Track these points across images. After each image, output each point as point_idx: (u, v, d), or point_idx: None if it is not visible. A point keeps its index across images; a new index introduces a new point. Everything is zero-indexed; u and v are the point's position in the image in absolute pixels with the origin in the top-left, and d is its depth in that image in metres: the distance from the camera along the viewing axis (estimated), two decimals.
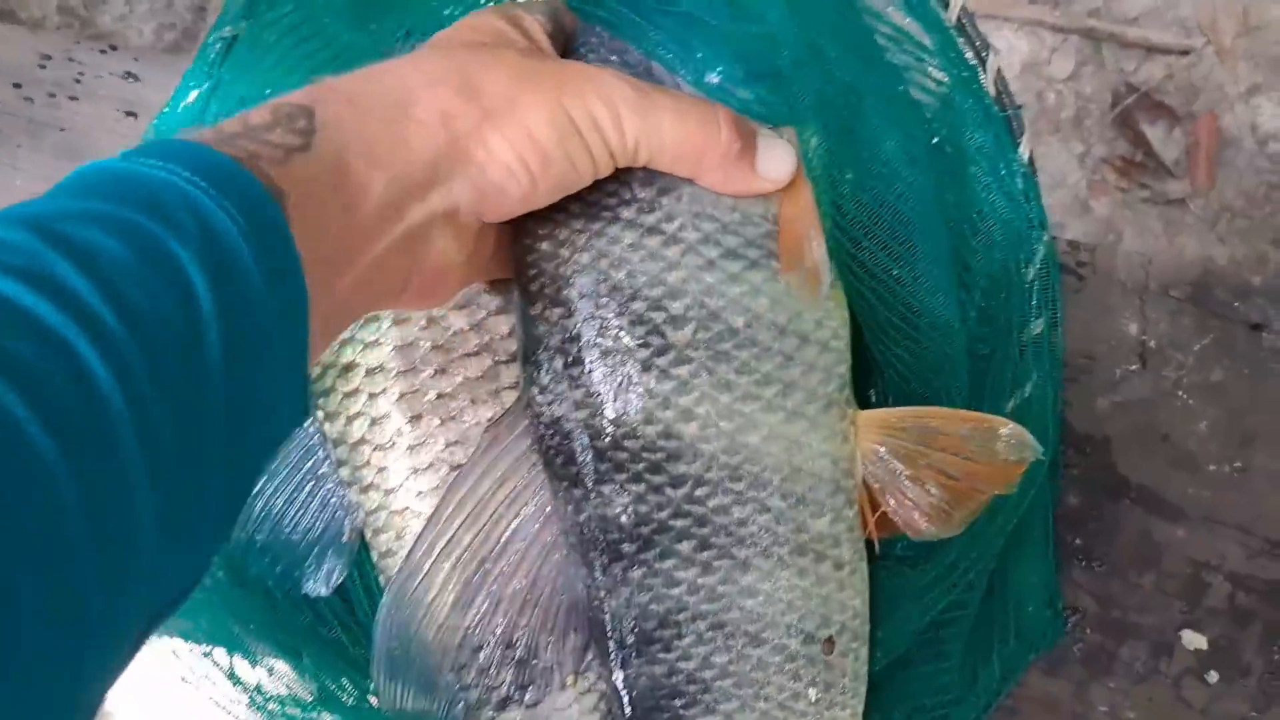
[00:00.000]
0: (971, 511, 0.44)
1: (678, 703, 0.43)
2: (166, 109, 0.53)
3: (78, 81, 0.72)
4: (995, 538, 0.49)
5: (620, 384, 0.41)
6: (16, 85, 0.71)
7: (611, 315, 0.41)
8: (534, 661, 0.42)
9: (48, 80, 0.72)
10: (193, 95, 0.52)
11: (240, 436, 0.29)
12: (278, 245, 0.30)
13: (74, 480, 0.23)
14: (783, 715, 0.44)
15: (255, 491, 0.47)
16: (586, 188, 0.40)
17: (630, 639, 0.43)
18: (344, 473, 0.48)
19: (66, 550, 0.23)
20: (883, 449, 0.43)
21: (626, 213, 0.41)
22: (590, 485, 0.42)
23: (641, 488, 0.42)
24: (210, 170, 0.29)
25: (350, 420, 0.48)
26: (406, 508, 0.46)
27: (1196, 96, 1.08)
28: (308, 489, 0.48)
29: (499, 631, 0.42)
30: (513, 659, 0.42)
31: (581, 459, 0.42)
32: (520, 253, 0.42)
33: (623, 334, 0.41)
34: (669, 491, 0.41)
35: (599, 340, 0.41)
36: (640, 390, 0.41)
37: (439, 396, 0.45)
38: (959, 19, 0.46)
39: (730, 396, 0.41)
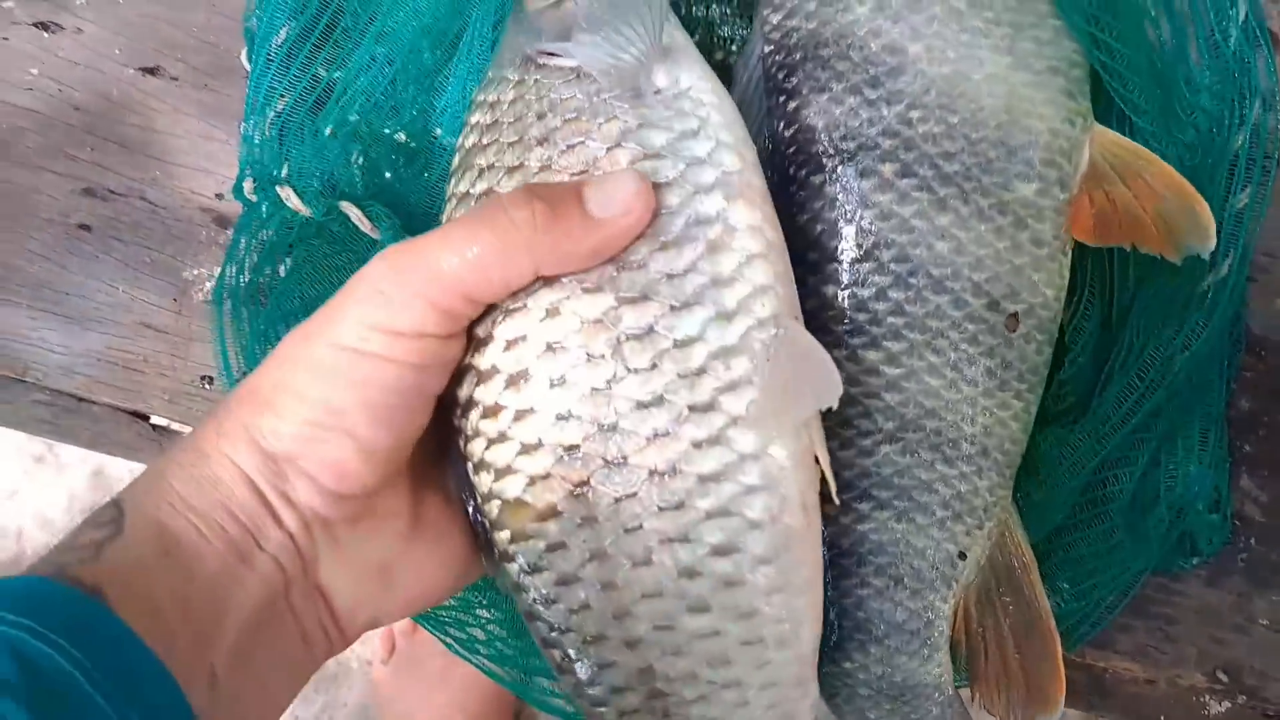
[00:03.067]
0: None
1: (840, 328, 0.41)
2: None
3: None
4: (1152, 391, 0.46)
5: None
6: None
7: None
8: None
9: None
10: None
11: None
12: (115, 645, 0.29)
13: None
14: (951, 376, 0.41)
15: None
16: None
17: (810, 255, 0.42)
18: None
19: None
20: (1105, 163, 0.42)
21: None
22: (804, 93, 0.42)
23: (856, 100, 0.41)
24: (26, 599, 0.28)
25: None
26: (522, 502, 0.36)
27: None
28: None
29: None
30: None
31: (801, 68, 0.42)
32: None
33: None
34: (883, 108, 0.41)
35: None
36: (871, 3, 0.41)
37: (548, 347, 0.35)
38: None
39: (959, 26, 0.41)
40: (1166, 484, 0.49)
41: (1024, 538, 0.43)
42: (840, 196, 0.41)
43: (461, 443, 0.36)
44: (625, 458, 0.33)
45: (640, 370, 0.33)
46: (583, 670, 0.36)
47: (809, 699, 0.38)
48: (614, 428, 0.33)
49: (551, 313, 0.34)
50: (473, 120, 0.40)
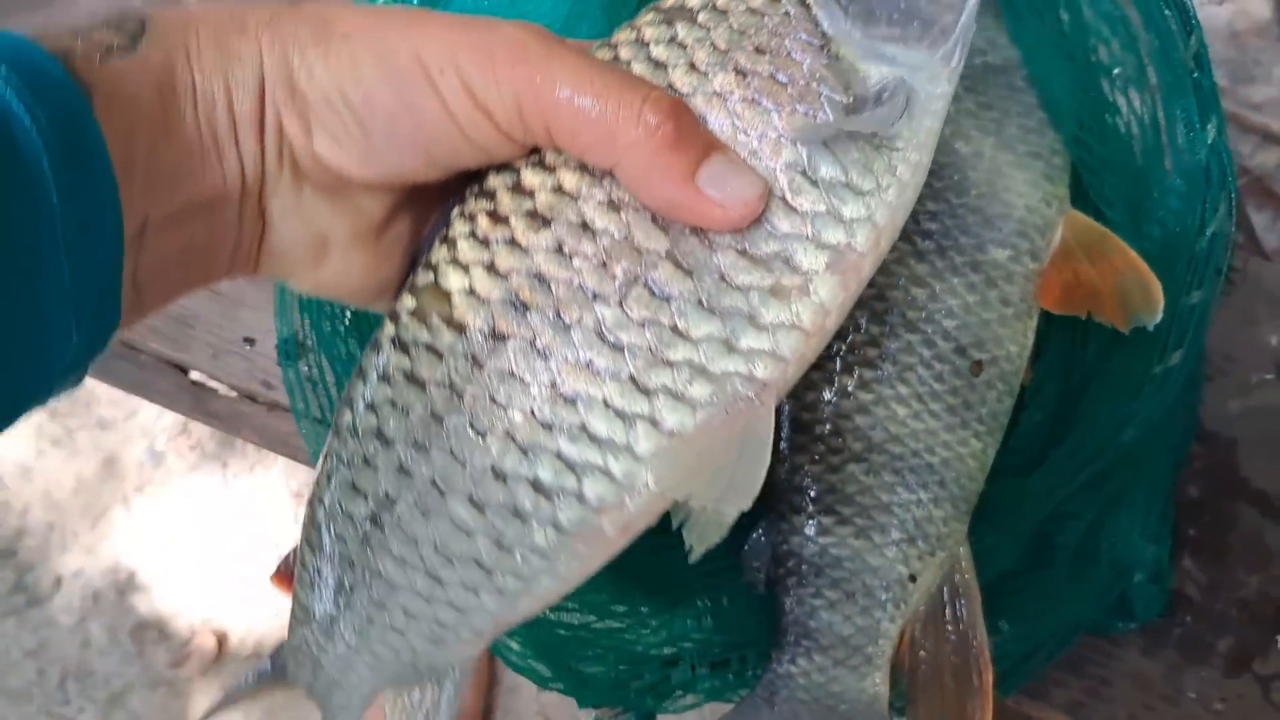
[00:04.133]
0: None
1: (821, 356, 0.46)
2: None
3: None
4: (1104, 451, 0.50)
5: None
6: None
7: None
8: None
9: None
10: None
11: (9, 335, 0.27)
12: (84, 146, 0.28)
13: None
14: (917, 408, 0.45)
15: None
16: None
17: None
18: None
19: None
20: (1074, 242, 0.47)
21: None
22: None
23: None
24: (23, 63, 0.28)
25: None
26: (446, 293, 0.35)
27: None
28: None
29: None
30: None
31: None
32: None
33: None
34: None
35: None
36: None
37: (582, 224, 0.33)
38: None
39: (954, 108, 0.46)
40: (1110, 544, 0.53)
41: (973, 573, 0.47)
42: None
43: (455, 214, 0.35)
44: (547, 353, 0.32)
45: (630, 315, 0.32)
46: (350, 448, 0.35)
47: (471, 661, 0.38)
48: (565, 329, 0.32)
49: (610, 205, 0.33)
50: None
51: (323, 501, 0.37)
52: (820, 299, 0.32)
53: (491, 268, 0.33)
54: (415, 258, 0.36)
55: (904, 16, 0.33)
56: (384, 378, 0.35)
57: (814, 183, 0.32)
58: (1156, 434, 0.52)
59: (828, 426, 0.45)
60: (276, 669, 0.42)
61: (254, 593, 1.38)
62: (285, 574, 0.40)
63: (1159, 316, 0.45)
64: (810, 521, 0.45)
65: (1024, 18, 0.49)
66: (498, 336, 0.33)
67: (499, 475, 0.33)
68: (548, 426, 0.32)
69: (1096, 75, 0.49)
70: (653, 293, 0.32)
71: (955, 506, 0.46)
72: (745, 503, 0.32)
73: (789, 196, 0.32)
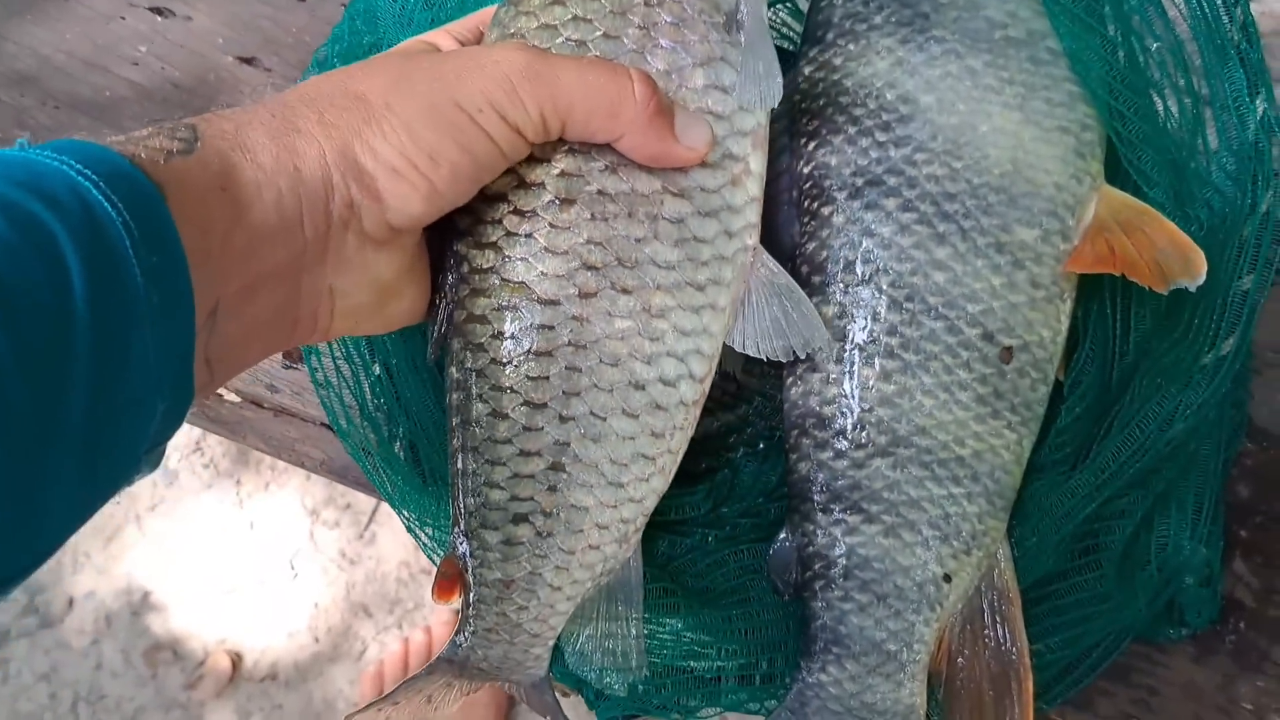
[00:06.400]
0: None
1: (839, 345, 0.43)
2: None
3: None
4: (1151, 446, 0.47)
5: (874, 50, 0.45)
6: None
7: None
8: None
9: None
10: None
11: (104, 419, 0.28)
12: (159, 233, 0.30)
13: None
14: (944, 398, 0.42)
15: None
16: None
17: (814, 278, 0.44)
18: (462, 221, 0.42)
19: None
20: (1110, 219, 0.44)
21: None
22: (824, 134, 0.45)
23: (867, 142, 0.44)
24: (98, 162, 0.30)
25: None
26: (522, 283, 0.41)
27: None
28: None
29: None
30: None
31: (823, 113, 0.46)
32: None
33: (888, 11, 0.46)
34: (891, 150, 0.44)
35: (863, 16, 0.46)
36: (891, 58, 0.45)
37: (599, 192, 0.40)
38: None
39: (972, 82, 0.44)
40: (1158, 546, 0.50)
41: (1013, 574, 0.44)
42: (845, 225, 0.44)
43: (470, 225, 0.41)
44: (629, 290, 0.41)
45: (664, 241, 0.41)
46: (503, 428, 0.42)
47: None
48: (634, 264, 0.41)
49: (609, 169, 0.41)
50: None
51: (492, 482, 0.43)
52: (757, 169, 0.42)
53: (549, 250, 0.41)
54: (441, 271, 0.42)
55: None
56: (505, 362, 0.41)
57: (721, 89, 0.41)
58: (1206, 430, 0.49)
59: (850, 420, 0.42)
60: (456, 667, 0.46)
61: (269, 612, 1.36)
62: (447, 580, 0.44)
63: (1201, 277, 0.41)
64: (836, 521, 0.43)
65: None
66: (585, 295, 0.41)
67: (638, 385, 0.42)
68: (655, 338, 0.41)
69: (1132, 46, 0.47)
70: (669, 220, 0.41)
71: (990, 502, 0.43)
72: (823, 334, 0.42)
73: (713, 108, 0.41)
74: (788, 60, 0.46)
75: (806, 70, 0.47)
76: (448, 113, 0.36)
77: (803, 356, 0.42)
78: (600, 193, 0.41)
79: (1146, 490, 0.46)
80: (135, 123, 0.63)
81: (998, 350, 0.43)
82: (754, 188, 0.42)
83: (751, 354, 0.43)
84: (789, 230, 0.46)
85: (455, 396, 0.43)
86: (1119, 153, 0.45)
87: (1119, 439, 0.46)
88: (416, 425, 0.51)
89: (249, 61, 0.63)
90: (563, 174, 0.40)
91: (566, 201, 0.40)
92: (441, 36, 0.43)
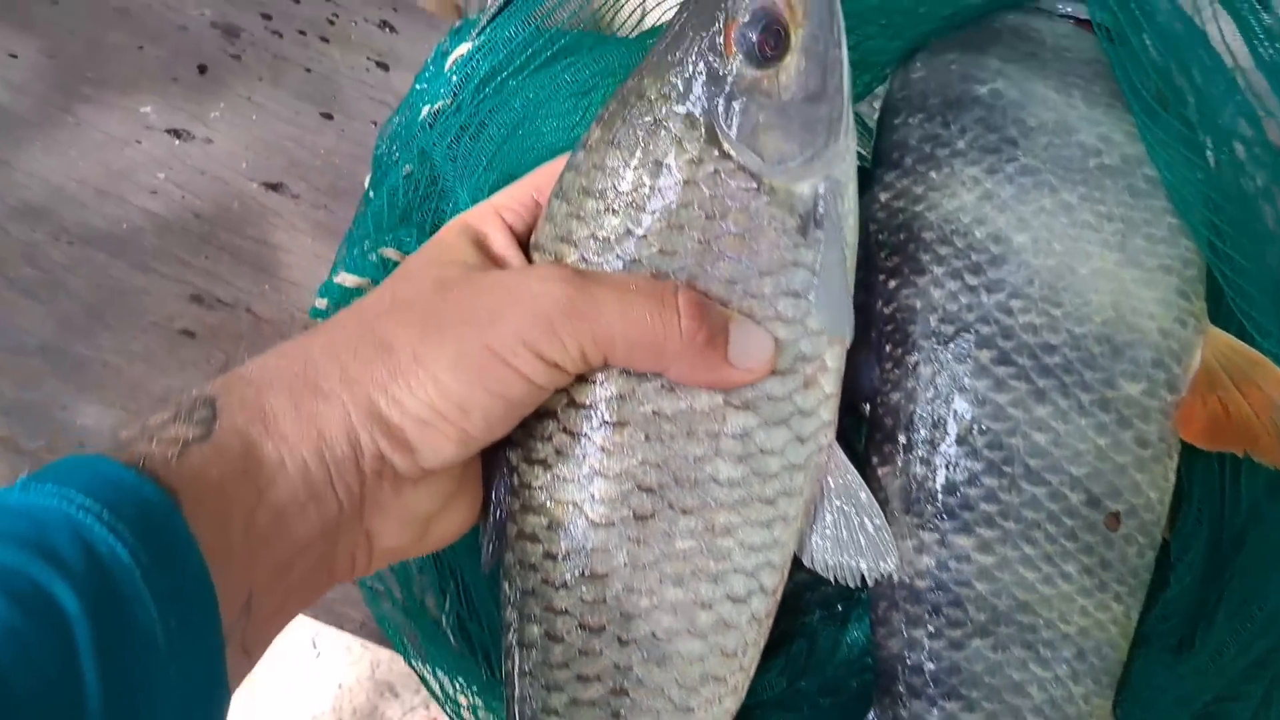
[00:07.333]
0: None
1: (930, 509, 0.40)
2: (428, 68, 0.50)
3: (331, 22, 0.65)
4: (1272, 626, 0.43)
5: (958, 180, 0.43)
6: (266, 16, 0.65)
7: (965, 118, 0.43)
8: None
9: (300, 16, 0.66)
10: (459, 51, 0.49)
11: None
12: (172, 551, 0.29)
13: None
14: (1047, 570, 0.39)
15: None
16: None
17: (899, 433, 0.41)
18: (515, 433, 0.39)
19: None
20: (1218, 367, 0.41)
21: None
22: (906, 273, 0.42)
23: (956, 285, 0.42)
24: (102, 486, 0.29)
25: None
26: (574, 503, 0.38)
27: None
28: None
29: None
30: None
31: (904, 249, 0.43)
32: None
33: (971, 136, 0.43)
34: (984, 295, 0.41)
35: (944, 140, 0.43)
36: (978, 190, 0.42)
37: (654, 413, 0.38)
38: None
39: (1068, 219, 0.42)
40: None
41: None
42: (933, 377, 0.41)
43: (550, 432, 0.39)
44: (689, 510, 0.38)
45: (728, 458, 0.38)
46: (558, 651, 0.39)
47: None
48: (694, 483, 0.38)
49: (666, 389, 0.38)
50: (618, 161, 0.38)
51: (549, 708, 0.40)
52: (834, 366, 0.39)
53: (600, 474, 0.38)
54: (494, 472, 0.40)
55: (806, 131, 0.38)
56: (559, 585, 0.39)
57: (793, 294, 0.38)
58: None
59: (946, 596, 0.39)
60: None
61: (291, 693, 1.32)
62: None
63: None
64: (932, 707, 0.39)
65: (1144, 106, 0.43)
66: (641, 517, 0.38)
67: (704, 605, 0.39)
68: (721, 557, 0.38)
69: (1235, 173, 0.43)
70: (732, 436, 0.38)
71: (1097, 681, 0.40)
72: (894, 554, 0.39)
73: (781, 312, 0.38)
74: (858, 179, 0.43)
75: (883, 197, 0.44)
76: (479, 359, 0.35)
77: (870, 584, 0.38)
78: (655, 413, 0.38)
79: (1265, 670, 0.42)
80: (155, 259, 0.59)
81: (1104, 516, 0.40)
82: (830, 384, 0.39)
83: (820, 573, 0.39)
84: (869, 374, 0.43)
85: (509, 614, 0.40)
86: (1227, 300, 0.42)
87: (1232, 609, 0.42)
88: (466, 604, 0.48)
89: (275, 188, 0.60)
90: (614, 395, 0.38)
91: (619, 424, 0.38)
92: (491, 219, 0.40)
